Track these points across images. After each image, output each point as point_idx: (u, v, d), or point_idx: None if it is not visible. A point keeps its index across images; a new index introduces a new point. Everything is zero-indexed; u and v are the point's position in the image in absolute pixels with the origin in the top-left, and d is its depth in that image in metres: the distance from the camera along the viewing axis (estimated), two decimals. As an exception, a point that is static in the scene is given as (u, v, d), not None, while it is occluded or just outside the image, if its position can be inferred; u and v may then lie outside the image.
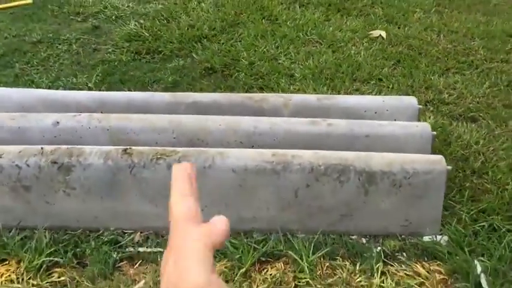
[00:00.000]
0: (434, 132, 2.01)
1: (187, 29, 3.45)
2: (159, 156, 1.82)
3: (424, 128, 2.00)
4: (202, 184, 1.82)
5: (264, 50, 3.19)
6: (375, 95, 2.76)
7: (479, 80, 2.87)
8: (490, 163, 2.25)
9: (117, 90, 2.79)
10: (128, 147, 1.85)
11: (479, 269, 1.74)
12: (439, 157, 1.84)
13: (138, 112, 2.13)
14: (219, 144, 1.99)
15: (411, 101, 2.17)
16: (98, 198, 1.86)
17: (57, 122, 1.99)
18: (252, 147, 2.01)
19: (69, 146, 1.85)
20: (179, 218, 0.46)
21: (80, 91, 2.19)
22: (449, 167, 1.84)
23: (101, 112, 2.16)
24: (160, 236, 1.92)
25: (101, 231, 1.93)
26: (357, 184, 1.83)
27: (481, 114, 2.59)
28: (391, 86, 2.82)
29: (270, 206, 1.88)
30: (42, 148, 1.83)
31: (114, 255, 1.83)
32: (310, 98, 2.19)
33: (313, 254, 1.81)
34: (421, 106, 2.17)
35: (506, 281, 1.72)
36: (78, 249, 1.85)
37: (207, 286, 0.41)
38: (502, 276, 1.73)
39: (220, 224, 0.46)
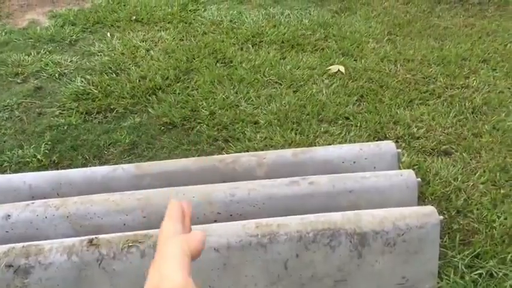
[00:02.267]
0: (419, 179, 1.92)
1: (139, 81, 3.26)
2: (130, 244, 1.62)
3: (409, 176, 1.90)
4: (182, 268, 1.63)
5: (223, 96, 3.05)
6: (345, 135, 2.67)
7: (444, 110, 2.85)
8: (473, 200, 2.19)
9: (69, 159, 2.57)
10: (94, 237, 1.64)
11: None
12: (431, 209, 1.74)
13: (100, 190, 1.92)
14: (194, 219, 1.81)
15: (389, 146, 2.08)
16: (64, 298, 1.63)
17: (8, 216, 1.75)
18: (231, 215, 1.85)
19: (25, 244, 1.62)
20: (166, 235, 0.52)
21: (30, 173, 1.95)
22: (442, 217, 1.75)
23: (57, 195, 1.94)
24: (139, 332, 1.70)
25: (70, 335, 1.69)
26: (349, 247, 1.70)
27: (453, 147, 2.55)
28: (358, 125, 2.74)
29: (258, 282, 1.71)
30: (-7, 251, 1.59)
31: None
32: (285, 154, 2.05)
33: (311, 330, 1.66)
34: (399, 150, 2.09)
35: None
36: None
37: (183, 286, 0.47)
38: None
39: (197, 234, 0.52)
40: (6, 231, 1.74)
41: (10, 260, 1.58)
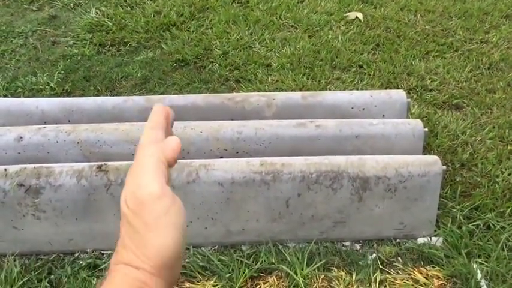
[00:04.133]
0: (427, 129, 1.92)
1: (154, 16, 3.22)
2: (137, 173, 1.66)
3: (416, 125, 1.91)
4: (187, 199, 1.68)
5: (238, 37, 3.02)
6: (357, 83, 2.65)
7: (461, 64, 2.80)
8: (479, 154, 2.19)
9: (82, 89, 2.59)
10: (103, 163, 1.69)
11: (479, 274, 1.69)
12: (435, 158, 1.76)
13: (110, 119, 1.96)
14: (201, 153, 1.85)
15: (400, 94, 2.07)
16: (72, 220, 1.70)
17: (21, 137, 1.80)
18: (237, 153, 1.88)
19: (36, 165, 1.67)
20: (145, 142, 0.50)
21: (42, 98, 1.98)
22: (444, 167, 1.77)
23: (69, 121, 1.98)
24: (143, 256, 1.78)
25: (76, 254, 1.78)
26: (350, 191, 1.73)
27: (465, 101, 2.53)
28: (372, 73, 2.72)
29: (259, 217, 1.77)
30: (6, 170, 1.65)
31: (94, 281, 1.68)
32: (295, 96, 2.05)
33: (307, 266, 1.72)
34: (409, 100, 2.08)
35: (506, 284, 1.68)
36: (52, 277, 1.70)
37: (160, 194, 0.46)
38: (501, 279, 1.68)
39: (172, 142, 0.50)
40: (18, 153, 1.80)
41: (21, 180, 1.64)
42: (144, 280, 0.46)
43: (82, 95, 2.52)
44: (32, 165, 1.67)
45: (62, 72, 2.68)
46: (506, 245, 1.80)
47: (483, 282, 1.67)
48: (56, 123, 1.94)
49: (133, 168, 0.49)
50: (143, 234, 0.46)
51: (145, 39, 3.01)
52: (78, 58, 2.83)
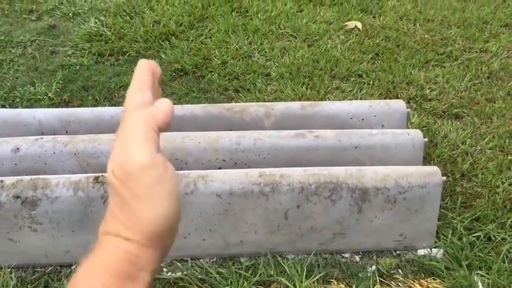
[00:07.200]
0: (426, 139, 1.91)
1: (153, 25, 3.22)
2: (135, 184, 1.65)
3: (415, 136, 1.90)
4: (185, 210, 1.67)
5: (237, 46, 3.01)
6: (356, 92, 2.65)
7: (460, 73, 2.79)
8: (479, 164, 2.18)
9: (80, 99, 2.58)
10: (100, 174, 1.67)
11: (480, 287, 1.67)
12: (435, 169, 1.75)
13: (108, 130, 1.95)
14: (199, 164, 1.83)
15: (399, 104, 2.06)
16: (69, 232, 1.69)
17: (17, 149, 1.78)
18: (235, 164, 1.87)
19: (32, 177, 1.66)
20: (132, 107, 0.45)
21: (40, 109, 1.97)
22: (444, 178, 1.75)
23: (66, 132, 1.97)
24: (140, 268, 1.76)
25: (73, 267, 1.76)
26: (349, 202, 1.72)
27: (464, 111, 2.52)
28: (371, 83, 2.71)
29: (258, 229, 1.75)
30: (2, 181, 1.63)
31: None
32: (293, 106, 2.04)
33: (306, 278, 1.70)
34: (409, 110, 2.07)
35: (508, 297, 1.66)
36: (49, 290, 1.69)
37: (150, 164, 0.42)
38: (503, 291, 1.67)
39: (162, 105, 0.45)
40: (15, 164, 1.78)
41: (18, 191, 1.62)
42: (135, 252, 0.43)
43: (80, 105, 2.51)
44: (29, 177, 1.65)
45: (61, 82, 2.67)
46: (507, 257, 1.78)
47: (484, 295, 1.65)
48: (54, 134, 1.93)
49: (120, 136, 0.45)
50: (133, 205, 0.43)
51: (144, 49, 3.01)
52: (77, 68, 2.82)
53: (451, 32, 3.19)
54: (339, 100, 2.51)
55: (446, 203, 2.00)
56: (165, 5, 3.46)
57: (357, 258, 1.83)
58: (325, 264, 1.78)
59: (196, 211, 1.68)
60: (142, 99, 0.46)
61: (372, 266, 1.79)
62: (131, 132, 0.44)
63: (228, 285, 1.67)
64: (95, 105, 2.51)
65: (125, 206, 0.43)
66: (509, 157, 2.21)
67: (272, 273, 1.73)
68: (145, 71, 0.49)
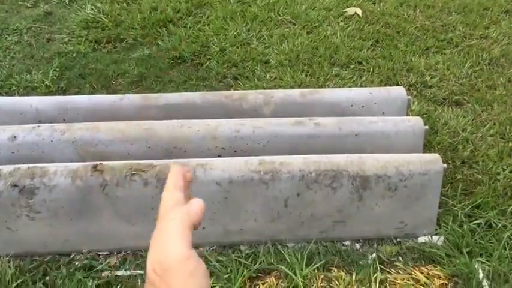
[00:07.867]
0: (427, 127, 1.89)
1: (150, 12, 3.18)
2: (133, 173, 1.63)
3: (416, 123, 1.88)
4: (184, 199, 1.65)
5: (235, 33, 2.98)
6: (356, 79, 2.62)
7: (461, 60, 2.77)
8: (480, 151, 2.17)
9: (77, 87, 2.55)
10: (98, 162, 1.65)
11: (481, 273, 1.67)
12: (435, 156, 1.73)
13: (106, 118, 1.93)
14: (198, 152, 1.82)
15: (399, 91, 2.04)
16: (67, 220, 1.67)
17: (14, 137, 1.76)
18: (235, 152, 1.85)
19: (30, 165, 1.64)
20: (168, 207, 0.51)
21: (37, 96, 1.95)
22: (445, 165, 1.74)
23: (64, 120, 1.94)
24: (139, 257, 1.75)
25: (72, 255, 1.75)
26: (350, 190, 1.71)
27: (465, 98, 2.50)
28: (371, 70, 2.69)
29: (258, 217, 1.74)
30: (-2, 170, 1.61)
31: (90, 283, 1.65)
32: (293, 94, 2.02)
33: (307, 266, 1.70)
34: (409, 97, 2.05)
35: (509, 283, 1.65)
36: (47, 278, 1.67)
37: (187, 259, 0.47)
38: (503, 278, 1.66)
39: (195, 206, 0.52)
40: (12, 152, 1.77)
41: (15, 180, 1.60)
42: None
43: (77, 93, 2.48)
44: (26, 165, 1.64)
45: (57, 69, 2.64)
46: (508, 243, 1.77)
47: (485, 282, 1.65)
48: (51, 122, 1.91)
49: (158, 233, 0.50)
50: None
51: (141, 36, 2.97)
52: (74, 55, 2.79)
53: (451, 19, 3.15)
54: (339, 87, 2.49)
55: (447, 191, 1.99)
56: (162, -8, 3.41)
57: (358, 246, 1.83)
58: (326, 252, 1.78)
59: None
60: (176, 199, 0.53)
61: (372, 254, 1.78)
62: (168, 229, 0.50)
63: (227, 273, 1.66)
64: (92, 93, 2.48)
65: None
66: (510, 144, 2.20)
67: (272, 261, 1.72)
68: (178, 174, 0.56)
